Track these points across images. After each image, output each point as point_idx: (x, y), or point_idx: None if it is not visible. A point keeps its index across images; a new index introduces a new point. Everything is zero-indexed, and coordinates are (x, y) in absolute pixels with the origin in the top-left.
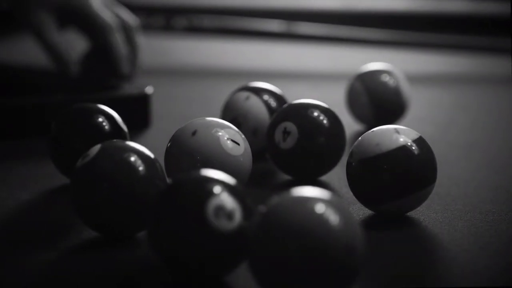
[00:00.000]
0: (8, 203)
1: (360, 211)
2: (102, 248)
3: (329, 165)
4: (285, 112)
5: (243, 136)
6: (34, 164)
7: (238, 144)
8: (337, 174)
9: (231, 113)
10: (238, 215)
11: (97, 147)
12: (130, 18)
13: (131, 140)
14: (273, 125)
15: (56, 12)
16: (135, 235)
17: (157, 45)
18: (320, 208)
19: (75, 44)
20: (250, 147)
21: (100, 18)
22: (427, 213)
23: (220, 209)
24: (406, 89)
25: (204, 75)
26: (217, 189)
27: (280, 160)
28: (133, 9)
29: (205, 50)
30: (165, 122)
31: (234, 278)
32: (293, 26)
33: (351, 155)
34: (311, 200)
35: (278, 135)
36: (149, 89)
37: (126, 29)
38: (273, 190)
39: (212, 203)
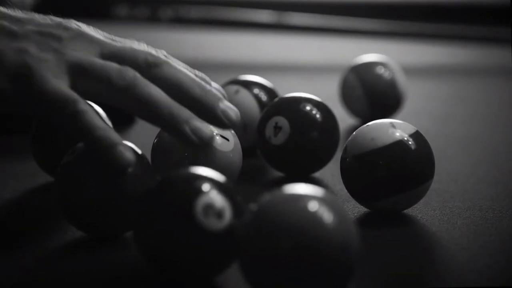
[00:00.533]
0: None
1: (355, 209)
2: (88, 248)
3: (323, 161)
4: (276, 106)
5: (232, 131)
6: (16, 161)
7: (228, 140)
8: (331, 171)
9: None
10: (228, 214)
11: (82, 144)
12: None
13: None
14: (264, 120)
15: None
16: (122, 235)
17: (142, 37)
18: (313, 205)
19: None
20: (240, 143)
21: None
22: (425, 210)
23: (209, 208)
24: (402, 81)
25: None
26: (206, 186)
27: (271, 156)
28: None
29: (192, 42)
30: None
31: (225, 279)
32: (284, 16)
33: (345, 150)
34: (304, 198)
35: (269, 130)
36: None
37: None
38: (264, 187)
39: (201, 202)
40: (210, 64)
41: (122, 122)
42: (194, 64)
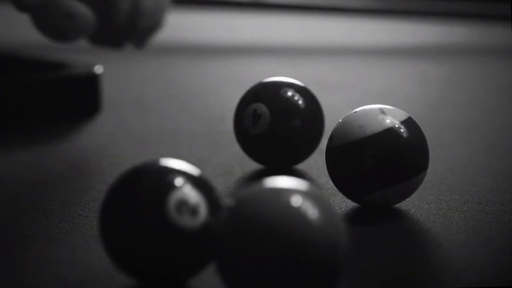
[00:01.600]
0: None
1: (342, 203)
2: (55, 251)
3: (306, 152)
4: (255, 92)
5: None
6: None
7: None
8: (315, 162)
9: None
10: (203, 210)
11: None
12: None
13: (78, 126)
14: (242, 107)
15: None
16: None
17: None
18: (296, 201)
19: None
20: None
21: None
22: (419, 204)
23: (183, 204)
24: None
25: (161, 52)
26: (178, 181)
27: (250, 147)
28: None
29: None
30: (117, 106)
31: (200, 282)
32: None
33: (331, 139)
34: (286, 192)
35: (247, 119)
36: (98, 69)
37: None
38: (242, 181)
39: (174, 197)
40: (181, 47)
41: (85, 110)
42: (163, 48)
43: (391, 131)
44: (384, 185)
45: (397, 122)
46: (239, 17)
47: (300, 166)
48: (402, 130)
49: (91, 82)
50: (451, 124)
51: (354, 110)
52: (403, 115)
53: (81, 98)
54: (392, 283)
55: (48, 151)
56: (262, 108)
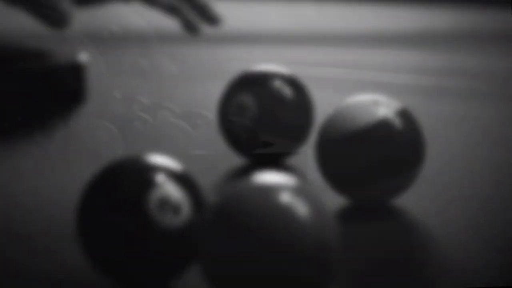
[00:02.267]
0: None
1: (334, 200)
2: (29, 252)
3: (295, 145)
4: (240, 82)
5: None
6: None
7: None
8: (305, 156)
9: None
10: (186, 209)
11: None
12: None
13: (57, 119)
14: (226, 98)
15: None
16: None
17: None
18: (285, 197)
19: None
20: None
21: None
22: (415, 201)
23: (165, 202)
24: None
25: (141, 39)
26: (160, 177)
27: (236, 140)
28: None
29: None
30: (97, 96)
31: (182, 283)
32: None
33: (321, 132)
34: (274, 188)
35: (232, 111)
36: (82, 57)
37: None
38: (228, 176)
39: (155, 195)
40: (163, 35)
41: (67, 102)
42: (144, 35)
43: (385, 123)
44: (378, 180)
45: (391, 113)
46: (223, 3)
47: (289, 161)
48: (396, 122)
49: (75, 72)
50: (449, 115)
51: (346, 101)
52: (398, 106)
53: (64, 88)
54: (387, 284)
55: (23, 146)
56: (248, 99)
